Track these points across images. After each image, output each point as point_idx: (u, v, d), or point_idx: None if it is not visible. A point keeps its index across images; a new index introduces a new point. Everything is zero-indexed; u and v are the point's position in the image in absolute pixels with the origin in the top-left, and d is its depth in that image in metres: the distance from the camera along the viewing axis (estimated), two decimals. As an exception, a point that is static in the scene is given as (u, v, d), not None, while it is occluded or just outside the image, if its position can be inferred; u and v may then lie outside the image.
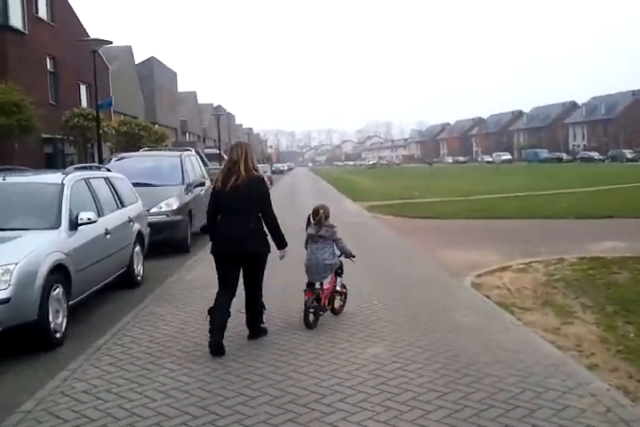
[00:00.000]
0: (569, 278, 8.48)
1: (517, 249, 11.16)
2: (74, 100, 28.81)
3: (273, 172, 64.79)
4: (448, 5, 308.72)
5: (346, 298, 6.72)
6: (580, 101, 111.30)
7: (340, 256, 6.43)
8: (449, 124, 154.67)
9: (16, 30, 22.03)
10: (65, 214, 6.74)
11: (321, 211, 6.31)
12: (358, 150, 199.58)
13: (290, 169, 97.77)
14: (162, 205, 11.24)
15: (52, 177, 7.49)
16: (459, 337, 5.75)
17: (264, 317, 5.95)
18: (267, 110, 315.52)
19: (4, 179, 7.15)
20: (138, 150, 17.70)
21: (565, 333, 6.03)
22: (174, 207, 11.36)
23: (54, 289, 5.93)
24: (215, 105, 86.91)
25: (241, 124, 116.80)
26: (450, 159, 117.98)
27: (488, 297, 7.59)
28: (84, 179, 7.77)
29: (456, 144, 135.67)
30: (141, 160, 13.54)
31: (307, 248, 6.39)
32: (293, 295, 7.34)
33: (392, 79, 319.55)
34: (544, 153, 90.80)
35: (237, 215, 5.54)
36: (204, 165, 29.24)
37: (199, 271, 9.53)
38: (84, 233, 6.93)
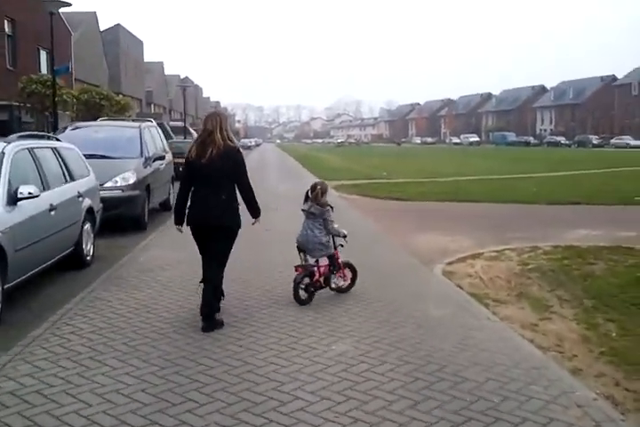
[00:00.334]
0: (544, 268, 8.12)
1: (489, 235, 10.79)
2: (33, 66, 27.56)
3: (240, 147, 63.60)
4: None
5: (354, 277, 6.68)
6: (549, 85, 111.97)
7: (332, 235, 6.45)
8: (419, 104, 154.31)
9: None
10: (3, 188, 6.07)
11: (318, 187, 6.34)
12: (327, 128, 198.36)
13: (257, 145, 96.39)
14: (117, 179, 10.54)
15: (-8, 146, 6.77)
16: (432, 333, 5.31)
17: (220, 306, 5.57)
18: (235, 84, 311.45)
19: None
20: (96, 120, 16.82)
21: (544, 330, 5.64)
22: (131, 182, 10.67)
23: (-14, 271, 5.30)
24: (182, 77, 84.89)
25: (208, 98, 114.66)
26: (418, 140, 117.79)
27: (460, 287, 7.19)
28: (27, 148, 7.05)
29: (425, 125, 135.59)
30: (98, 130, 12.74)
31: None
32: (252, 285, 6.82)
33: (363, 57, 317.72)
34: (512, 136, 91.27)
35: (211, 187, 5.39)
36: (169, 137, 28.42)
37: (155, 251, 8.94)
38: (25, 209, 6.26)
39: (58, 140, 8.79)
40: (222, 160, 5.32)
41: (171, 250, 8.99)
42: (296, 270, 6.17)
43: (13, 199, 6.11)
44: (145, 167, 11.54)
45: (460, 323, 5.64)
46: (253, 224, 5.82)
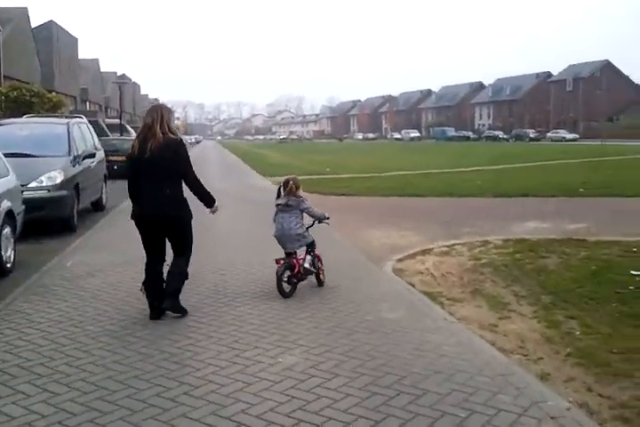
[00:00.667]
0: (496, 263, 7.84)
1: (438, 229, 10.51)
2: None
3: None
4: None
5: (320, 274, 6.66)
6: (486, 82, 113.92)
7: (313, 223, 6.63)
8: (360, 100, 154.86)
9: None
10: None
11: (291, 182, 6.45)
12: (269, 124, 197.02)
13: (198, 142, 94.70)
14: (43, 178, 9.75)
15: None
16: (386, 339, 4.88)
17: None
18: (175, 81, 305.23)
19: None
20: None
21: (504, 330, 5.29)
22: (57, 181, 9.90)
23: None
24: (119, 74, 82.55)
25: (147, 95, 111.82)
26: (360, 136, 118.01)
27: (412, 285, 6.82)
28: None
29: (366, 121, 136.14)
30: (22, 128, 11.89)
31: (274, 220, 6.50)
32: (191, 290, 6.27)
33: (304, 53, 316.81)
34: (451, 131, 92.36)
35: (154, 182, 5.30)
36: (105, 135, 27.30)
37: (84, 256, 8.25)
38: None
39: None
40: (163, 153, 5.21)
41: (103, 253, 8.36)
42: (277, 263, 6.18)
43: None
44: (73, 166, 10.78)
45: (416, 326, 5.25)
46: (213, 213, 5.81)
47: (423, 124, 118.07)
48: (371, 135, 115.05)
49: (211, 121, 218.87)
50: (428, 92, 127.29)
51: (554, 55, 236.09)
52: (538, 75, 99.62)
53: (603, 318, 5.54)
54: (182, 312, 5.47)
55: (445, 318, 5.52)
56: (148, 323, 5.31)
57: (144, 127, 5.35)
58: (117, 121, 35.16)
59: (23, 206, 8.30)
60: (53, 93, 33.41)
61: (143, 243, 5.56)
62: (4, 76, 28.67)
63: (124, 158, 22.80)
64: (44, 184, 9.73)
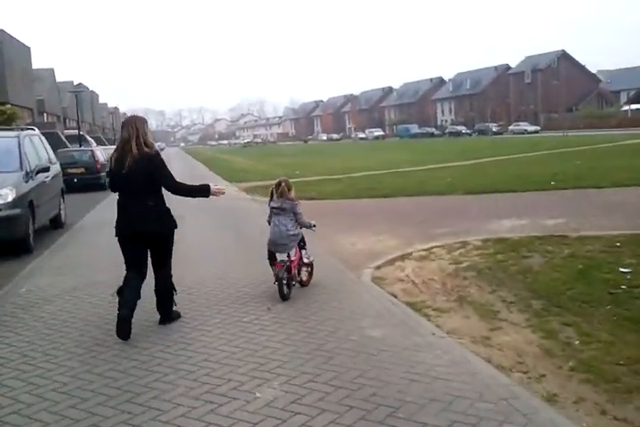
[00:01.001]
0: (479, 266, 7.46)
1: (414, 231, 10.11)
2: None
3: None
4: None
5: (312, 269, 6.84)
6: (447, 77, 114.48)
7: (301, 228, 6.66)
8: (322, 101, 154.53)
9: None
10: None
11: (283, 184, 6.49)
12: (232, 129, 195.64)
13: (161, 149, 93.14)
14: (-8, 197, 9.13)
15: None
16: (374, 362, 4.44)
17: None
18: (134, 89, 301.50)
19: None
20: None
21: (499, 343, 4.89)
22: (9, 199, 9.24)
23: None
24: (76, 83, 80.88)
25: (106, 104, 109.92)
26: (324, 136, 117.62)
27: (394, 295, 6.40)
28: None
29: (330, 121, 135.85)
30: (-32, 143, 11.18)
31: (269, 223, 6.55)
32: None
33: (263, 56, 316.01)
34: (415, 128, 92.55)
35: (135, 196, 5.34)
36: (64, 146, 26.44)
37: (41, 279, 7.66)
38: None
39: None
40: (139, 168, 5.25)
41: (62, 275, 7.79)
42: (277, 266, 6.23)
43: None
44: (26, 181, 10.12)
45: (404, 344, 4.82)
46: (218, 195, 5.81)
47: (386, 122, 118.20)
48: (335, 136, 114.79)
49: (173, 128, 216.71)
50: (390, 90, 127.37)
51: (512, 46, 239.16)
52: (496, 68, 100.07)
53: (600, 324, 5.18)
54: (177, 317, 5.66)
55: (434, 333, 5.10)
56: (108, 358, 4.78)
57: (121, 141, 5.38)
58: (76, 131, 34.21)
59: (-30, 229, 7.68)
60: (8, 106, 32.38)
61: (125, 258, 5.48)
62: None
63: (83, 171, 22.09)
64: (-7, 203, 9.08)
